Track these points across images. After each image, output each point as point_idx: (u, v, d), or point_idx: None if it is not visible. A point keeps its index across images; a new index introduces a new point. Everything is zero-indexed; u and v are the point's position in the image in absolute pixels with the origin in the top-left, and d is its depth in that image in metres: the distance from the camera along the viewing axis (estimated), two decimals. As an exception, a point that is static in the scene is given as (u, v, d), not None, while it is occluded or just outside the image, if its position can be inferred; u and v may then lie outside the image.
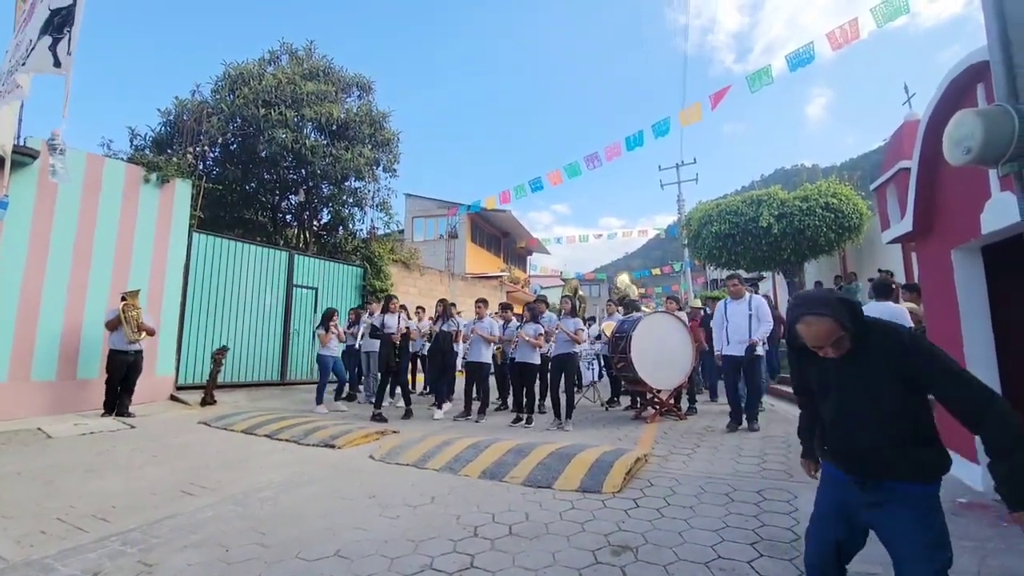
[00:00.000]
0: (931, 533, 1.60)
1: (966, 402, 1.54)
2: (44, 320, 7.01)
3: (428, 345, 8.11)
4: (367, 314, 9.14)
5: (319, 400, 7.83)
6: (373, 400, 8.32)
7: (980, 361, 3.67)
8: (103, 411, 6.94)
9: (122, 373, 7.00)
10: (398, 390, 7.94)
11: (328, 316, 8.15)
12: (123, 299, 7.11)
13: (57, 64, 4.27)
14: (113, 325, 6.96)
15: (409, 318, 7.99)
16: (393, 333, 7.36)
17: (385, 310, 7.62)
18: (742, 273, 12.93)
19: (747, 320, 5.83)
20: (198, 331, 8.97)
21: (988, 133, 1.43)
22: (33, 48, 4.32)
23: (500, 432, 6.21)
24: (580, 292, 11.54)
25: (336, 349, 8.26)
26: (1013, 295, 3.79)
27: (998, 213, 3.24)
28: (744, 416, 5.95)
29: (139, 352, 7.16)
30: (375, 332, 7.56)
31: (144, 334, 7.15)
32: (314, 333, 11.00)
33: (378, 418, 6.95)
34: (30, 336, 6.86)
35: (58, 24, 4.28)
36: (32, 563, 2.76)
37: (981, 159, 1.49)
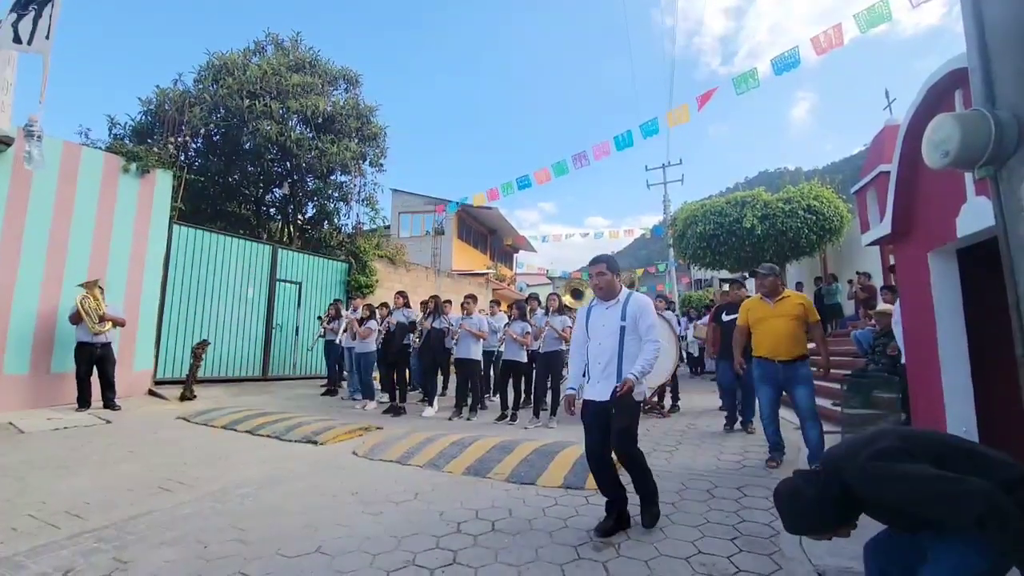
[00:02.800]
0: None
1: (957, 515, 1.41)
2: (17, 312, 6.81)
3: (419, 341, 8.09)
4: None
5: (372, 395, 8.02)
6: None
7: (954, 361, 3.76)
8: (77, 406, 6.78)
9: (89, 366, 6.83)
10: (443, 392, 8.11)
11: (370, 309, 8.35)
12: (85, 288, 6.94)
13: (17, 40, 4.15)
14: (75, 319, 6.77)
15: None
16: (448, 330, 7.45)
17: (438, 312, 7.57)
18: (725, 273, 13.08)
19: (617, 336, 3.10)
20: (178, 325, 8.81)
21: (965, 136, 1.46)
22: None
23: (485, 429, 6.21)
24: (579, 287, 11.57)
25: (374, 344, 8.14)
26: (987, 297, 3.88)
27: (973, 217, 3.32)
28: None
29: (107, 344, 6.93)
30: (428, 334, 7.47)
31: (110, 324, 6.91)
32: (296, 329, 10.89)
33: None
34: (2, 328, 6.67)
35: (24, 1, 4.16)
36: (2, 560, 2.69)
37: (958, 162, 1.53)
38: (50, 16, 4.15)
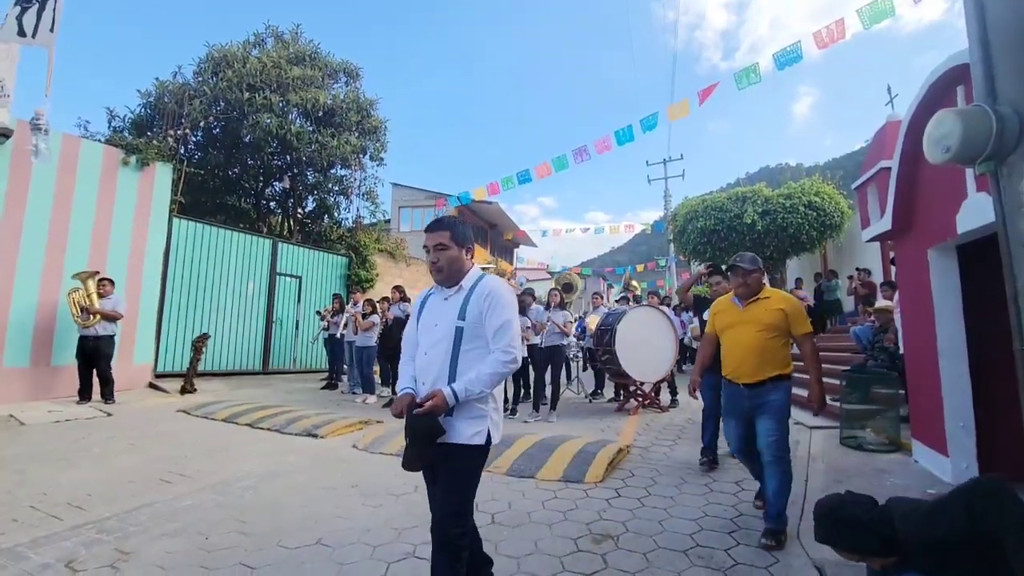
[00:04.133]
0: None
1: None
2: (17, 305, 6.82)
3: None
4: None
5: (372, 389, 7.92)
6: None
7: (952, 357, 3.78)
8: (78, 398, 6.80)
9: (84, 359, 6.85)
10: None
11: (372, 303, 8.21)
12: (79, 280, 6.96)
13: (22, 33, 4.15)
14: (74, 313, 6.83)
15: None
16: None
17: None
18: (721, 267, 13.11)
19: (451, 343, 2.03)
20: (178, 318, 8.82)
21: (966, 132, 1.46)
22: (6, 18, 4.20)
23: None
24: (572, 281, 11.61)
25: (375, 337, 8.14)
26: (986, 293, 3.89)
27: (974, 213, 3.32)
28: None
29: (99, 337, 6.88)
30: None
31: (97, 317, 6.85)
32: (296, 323, 10.91)
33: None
34: (2, 321, 6.68)
35: None
36: (3, 551, 2.70)
37: (959, 158, 1.53)
38: (54, 9, 4.14)
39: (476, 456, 1.98)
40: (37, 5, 4.05)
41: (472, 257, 2.14)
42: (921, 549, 1.61)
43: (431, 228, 2.12)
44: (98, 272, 7.17)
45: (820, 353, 3.56)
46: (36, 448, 4.71)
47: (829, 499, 1.89)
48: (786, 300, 3.15)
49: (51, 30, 4.12)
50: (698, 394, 3.67)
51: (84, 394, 6.81)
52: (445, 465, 1.95)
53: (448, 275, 2.07)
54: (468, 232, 2.14)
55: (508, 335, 1.97)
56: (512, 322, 2.00)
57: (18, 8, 4.12)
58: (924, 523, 1.63)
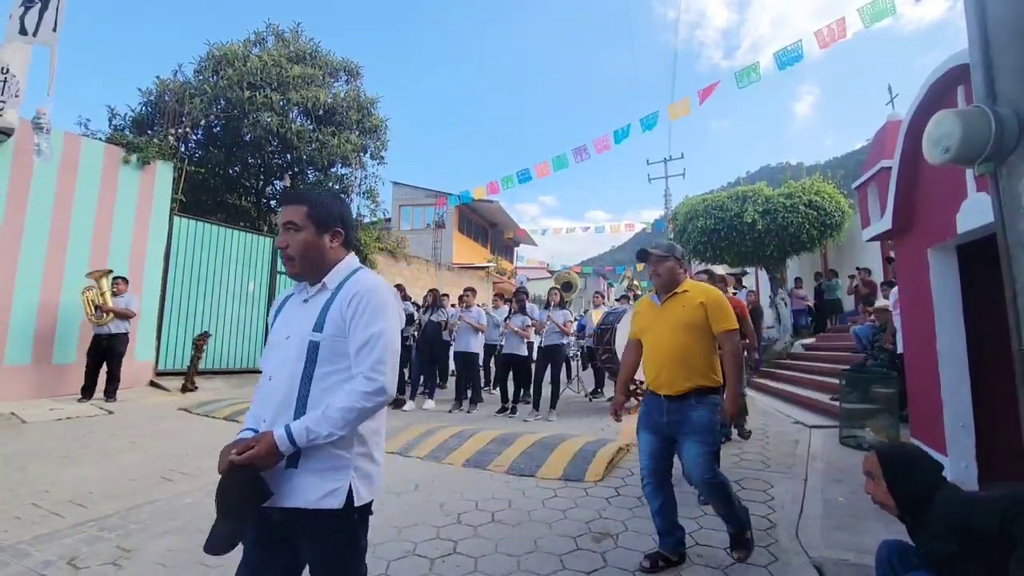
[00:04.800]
0: None
1: None
2: (18, 304, 6.83)
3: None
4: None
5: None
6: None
7: (952, 357, 3.78)
8: (80, 396, 6.82)
9: (95, 357, 6.91)
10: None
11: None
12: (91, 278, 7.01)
13: (23, 32, 4.16)
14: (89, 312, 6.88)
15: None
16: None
17: (436, 305, 7.50)
18: (723, 268, 13.08)
19: (302, 363, 1.42)
20: (179, 317, 8.82)
21: (966, 133, 1.47)
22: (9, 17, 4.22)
23: (484, 422, 6.24)
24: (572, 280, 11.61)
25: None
26: (986, 293, 3.90)
27: (974, 213, 3.33)
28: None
29: (113, 335, 6.97)
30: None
31: (110, 315, 6.94)
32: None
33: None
34: (3, 320, 6.69)
35: None
36: (5, 548, 2.71)
37: (959, 158, 1.53)
38: (56, 8, 4.14)
39: (336, 527, 1.37)
40: (40, 4, 4.06)
41: (344, 244, 1.54)
42: (946, 530, 1.64)
43: (283, 200, 1.58)
44: (111, 271, 7.25)
45: (820, 352, 3.45)
46: (38, 446, 4.72)
47: (910, 447, 2.05)
48: (705, 292, 2.65)
49: (53, 29, 4.13)
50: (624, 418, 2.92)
51: (87, 392, 6.83)
52: (305, 544, 1.38)
53: (301, 267, 1.48)
54: (338, 210, 1.53)
55: (376, 353, 1.37)
56: (385, 334, 1.40)
57: (21, 8, 4.13)
58: (960, 507, 1.66)
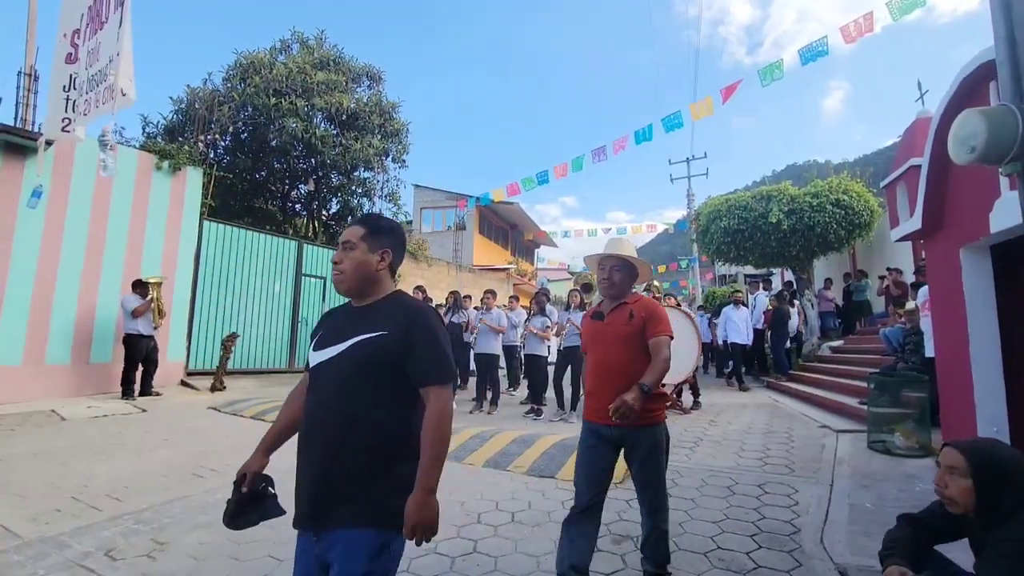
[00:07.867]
0: None
1: None
2: (58, 305, 7.13)
3: None
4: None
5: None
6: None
7: (985, 359, 3.67)
8: (122, 394, 7.10)
9: (143, 356, 7.27)
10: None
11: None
12: (138, 284, 7.36)
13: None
14: (141, 311, 7.21)
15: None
16: None
17: (456, 307, 7.71)
18: (749, 269, 12.85)
19: None
20: (208, 318, 9.09)
21: (992, 132, 1.44)
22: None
23: (506, 423, 6.27)
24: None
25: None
26: (1020, 294, 3.77)
27: (1007, 212, 3.23)
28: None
29: (153, 338, 7.50)
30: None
31: (163, 320, 7.65)
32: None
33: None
34: (44, 321, 6.99)
35: None
36: (47, 540, 2.85)
37: (985, 158, 1.50)
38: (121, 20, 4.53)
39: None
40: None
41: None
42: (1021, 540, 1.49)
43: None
44: (165, 278, 7.81)
45: (848, 355, 3.31)
46: (76, 442, 4.92)
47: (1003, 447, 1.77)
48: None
49: (129, 79, 4.58)
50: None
51: (129, 391, 7.12)
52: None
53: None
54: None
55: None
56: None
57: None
58: None
